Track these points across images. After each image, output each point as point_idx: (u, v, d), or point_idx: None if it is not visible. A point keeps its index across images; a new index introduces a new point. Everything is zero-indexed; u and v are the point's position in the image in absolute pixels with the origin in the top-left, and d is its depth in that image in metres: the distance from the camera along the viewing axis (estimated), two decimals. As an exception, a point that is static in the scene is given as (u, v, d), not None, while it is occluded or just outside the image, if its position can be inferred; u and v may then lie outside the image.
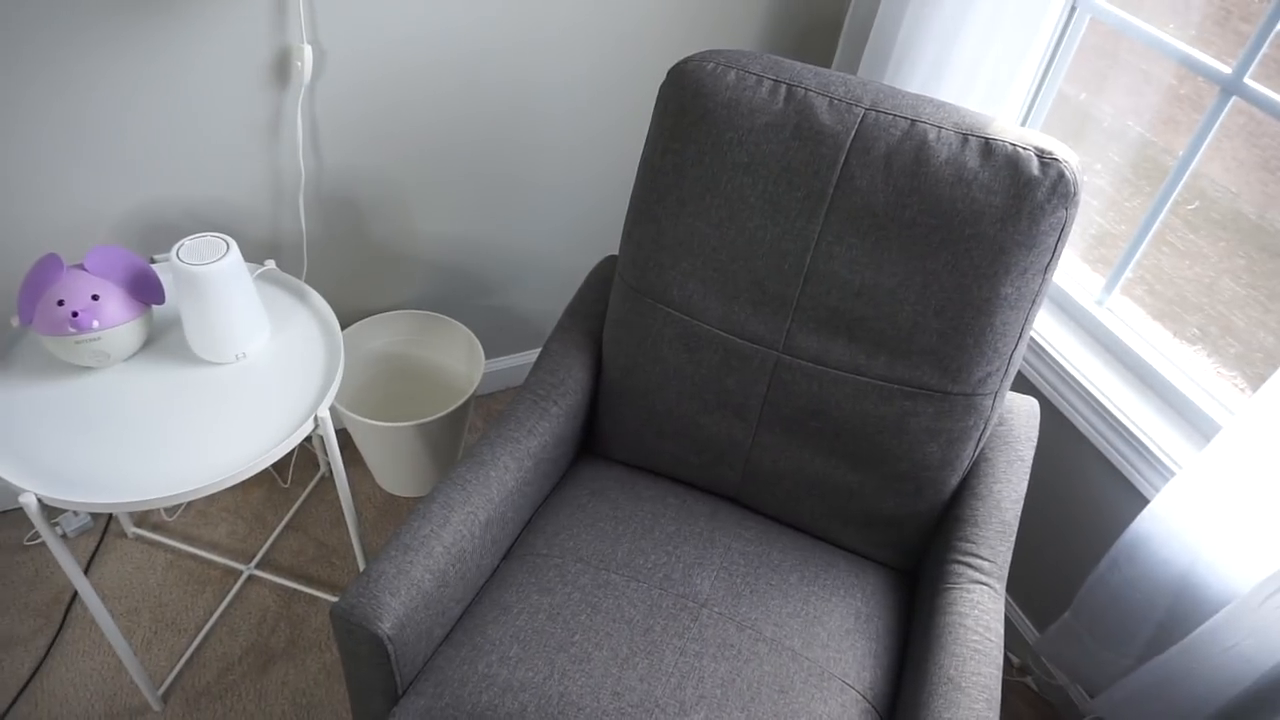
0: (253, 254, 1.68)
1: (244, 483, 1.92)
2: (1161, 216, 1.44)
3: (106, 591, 1.70)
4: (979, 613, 1.16)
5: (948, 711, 1.05)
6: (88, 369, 1.33)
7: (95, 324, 1.25)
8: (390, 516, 1.90)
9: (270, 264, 1.52)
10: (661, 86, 1.26)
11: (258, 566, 1.77)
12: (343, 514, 1.87)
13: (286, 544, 1.82)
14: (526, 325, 2.13)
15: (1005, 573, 1.24)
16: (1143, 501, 1.44)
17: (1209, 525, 1.24)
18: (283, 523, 1.85)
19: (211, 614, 1.68)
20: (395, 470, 1.86)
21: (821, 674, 1.16)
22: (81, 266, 1.27)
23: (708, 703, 1.10)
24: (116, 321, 1.27)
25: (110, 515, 1.81)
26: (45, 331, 1.24)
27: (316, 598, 1.73)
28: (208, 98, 1.46)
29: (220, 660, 1.62)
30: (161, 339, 1.39)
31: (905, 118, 1.16)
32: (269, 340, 1.41)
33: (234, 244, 1.30)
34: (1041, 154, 1.11)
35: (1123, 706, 1.38)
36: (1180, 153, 1.40)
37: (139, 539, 1.79)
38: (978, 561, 1.23)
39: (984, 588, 1.20)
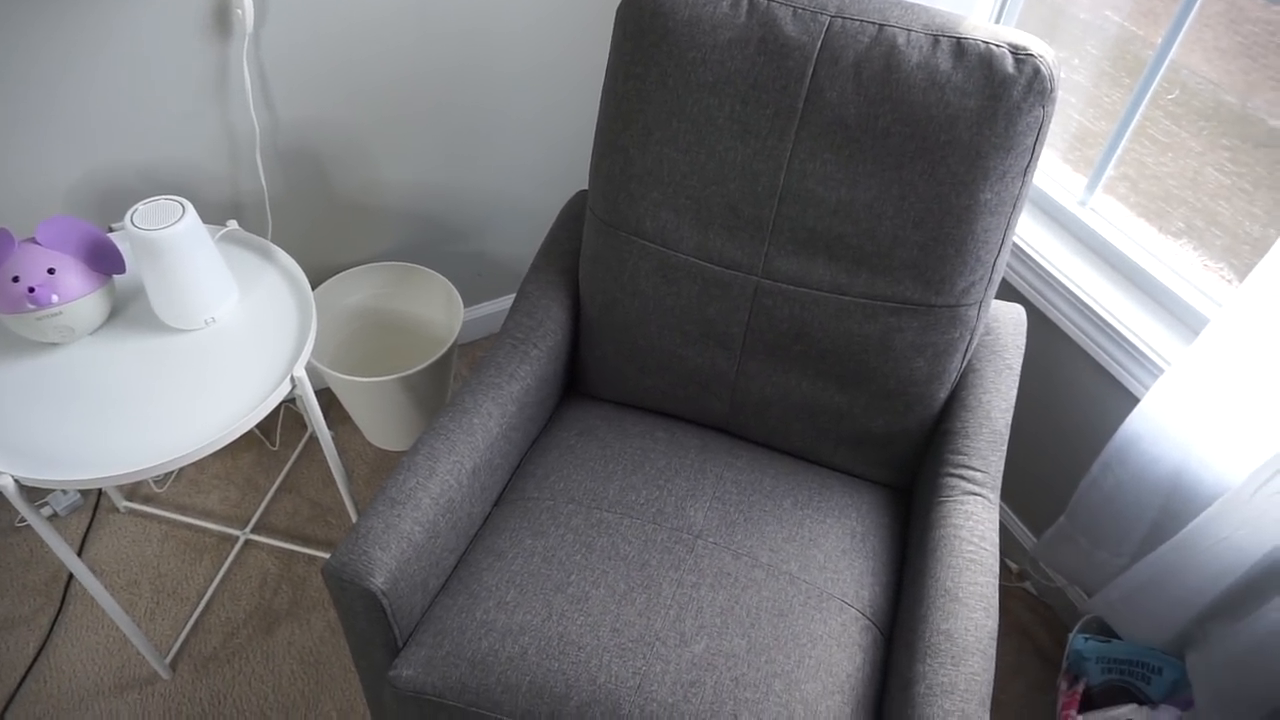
0: (214, 215, 1.64)
1: (232, 448, 1.90)
2: (1142, 109, 1.40)
3: (104, 566, 1.70)
4: (973, 523, 1.16)
5: (946, 623, 1.05)
6: (54, 345, 1.29)
7: (54, 298, 1.21)
8: (382, 472, 1.89)
9: (232, 224, 1.48)
10: (619, 7, 1.20)
11: (253, 531, 1.76)
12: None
13: (280, 506, 1.81)
14: (504, 269, 2.09)
15: (998, 482, 1.23)
16: (1134, 401, 1.43)
17: (1200, 420, 1.24)
18: (275, 485, 1.84)
19: (211, 581, 1.68)
20: (383, 425, 1.84)
21: (820, 595, 1.17)
22: (34, 240, 1.23)
23: (708, 632, 1.10)
24: (76, 294, 1.24)
25: (99, 491, 1.80)
26: (4, 310, 1.21)
27: (315, 557, 1.73)
28: (148, 54, 1.39)
29: (225, 625, 1.62)
30: (127, 309, 1.35)
31: (873, 23, 1.11)
32: (238, 303, 1.37)
33: (190, 206, 1.25)
34: (1016, 50, 1.07)
35: (1119, 604, 1.40)
36: (1159, 42, 1.35)
37: (131, 512, 1.78)
38: (970, 473, 1.22)
39: (977, 498, 1.20)
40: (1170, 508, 1.33)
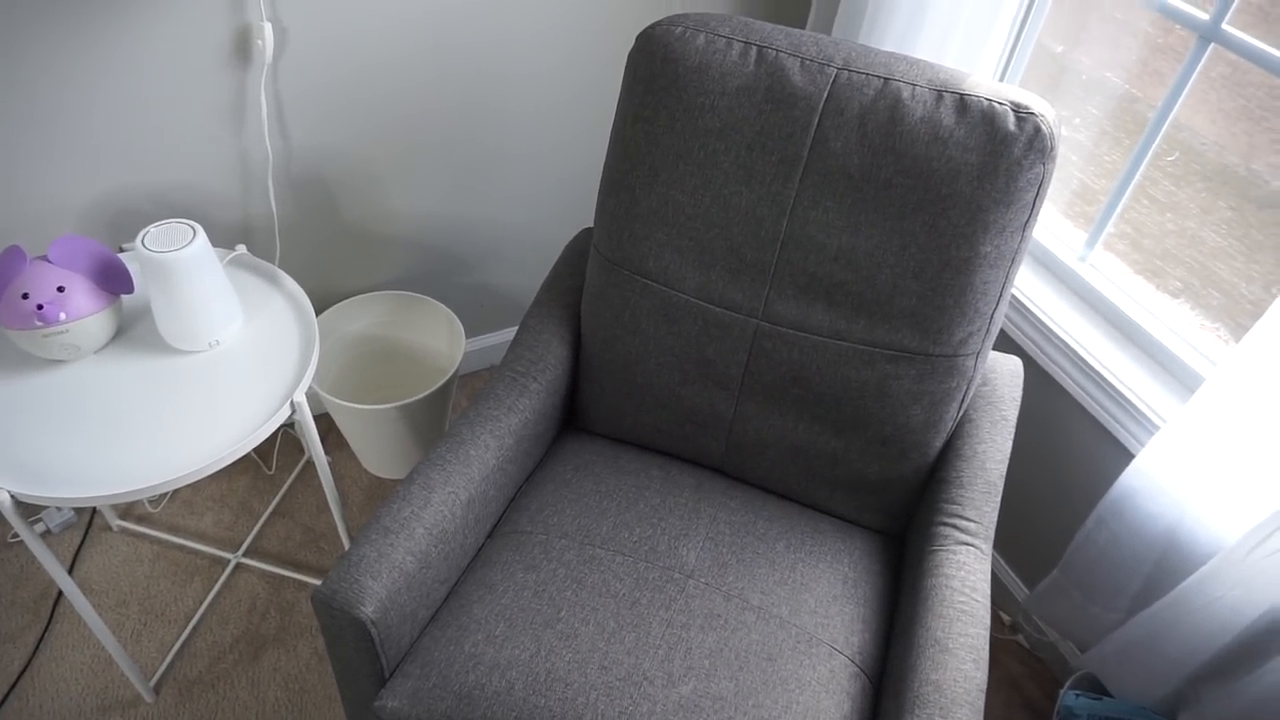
0: (224, 239, 1.66)
1: (229, 471, 1.90)
2: (1142, 169, 1.42)
3: (94, 585, 1.69)
4: (965, 574, 1.16)
5: (935, 673, 1.05)
6: (59, 362, 1.30)
7: (62, 316, 1.23)
8: (377, 499, 1.89)
9: (241, 249, 1.50)
10: (630, 52, 1.23)
11: (245, 554, 1.76)
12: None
13: (273, 530, 1.81)
14: (507, 302, 2.10)
15: (991, 533, 1.23)
16: (1129, 457, 1.43)
17: (1195, 478, 1.24)
18: (269, 510, 1.84)
19: (201, 604, 1.67)
20: (380, 453, 1.85)
21: (810, 640, 1.16)
22: (45, 258, 1.24)
23: (696, 673, 1.09)
24: (84, 313, 1.25)
25: (93, 509, 1.80)
26: (12, 326, 1.22)
27: (305, 583, 1.72)
28: (169, 81, 1.42)
29: (211, 649, 1.61)
30: (133, 329, 1.36)
31: (878, 76, 1.14)
32: (242, 327, 1.38)
33: (200, 229, 1.27)
34: (1017, 108, 1.10)
35: (1112, 660, 1.39)
36: (1159, 104, 1.38)
37: (124, 531, 1.78)
38: (963, 523, 1.22)
39: (970, 548, 1.20)
40: (1165, 564, 1.33)
